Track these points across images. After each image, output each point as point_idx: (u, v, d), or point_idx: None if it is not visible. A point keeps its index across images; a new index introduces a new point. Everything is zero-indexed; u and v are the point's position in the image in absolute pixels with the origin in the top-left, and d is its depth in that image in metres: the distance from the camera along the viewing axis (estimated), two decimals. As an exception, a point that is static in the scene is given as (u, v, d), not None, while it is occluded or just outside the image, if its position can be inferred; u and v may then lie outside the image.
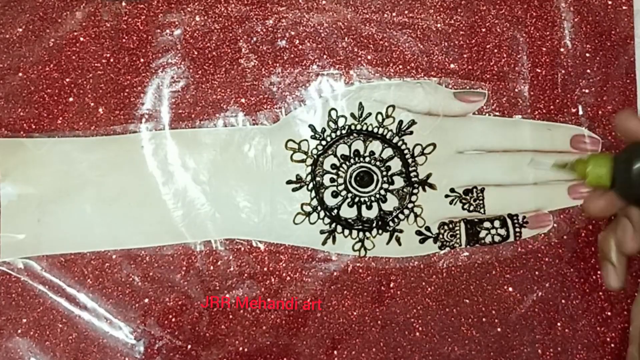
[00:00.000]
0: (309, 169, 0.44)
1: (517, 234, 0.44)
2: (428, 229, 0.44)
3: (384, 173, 0.44)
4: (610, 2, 0.45)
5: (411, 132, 0.44)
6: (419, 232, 0.44)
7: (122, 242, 0.44)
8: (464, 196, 0.44)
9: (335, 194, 0.44)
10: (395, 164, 0.44)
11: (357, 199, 0.44)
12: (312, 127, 0.44)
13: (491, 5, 0.45)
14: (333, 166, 0.44)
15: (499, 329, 0.44)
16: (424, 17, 0.45)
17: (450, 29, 0.45)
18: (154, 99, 0.44)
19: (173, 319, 0.44)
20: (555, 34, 0.45)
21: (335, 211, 0.44)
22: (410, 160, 0.44)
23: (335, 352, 0.44)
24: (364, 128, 0.44)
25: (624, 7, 0.45)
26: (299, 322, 0.44)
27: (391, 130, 0.44)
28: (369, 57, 0.45)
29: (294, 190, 0.44)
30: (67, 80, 0.44)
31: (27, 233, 0.43)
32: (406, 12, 0.45)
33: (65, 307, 0.43)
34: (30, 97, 0.44)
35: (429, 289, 0.44)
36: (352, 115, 0.44)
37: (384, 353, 0.44)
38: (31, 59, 0.44)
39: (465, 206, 0.44)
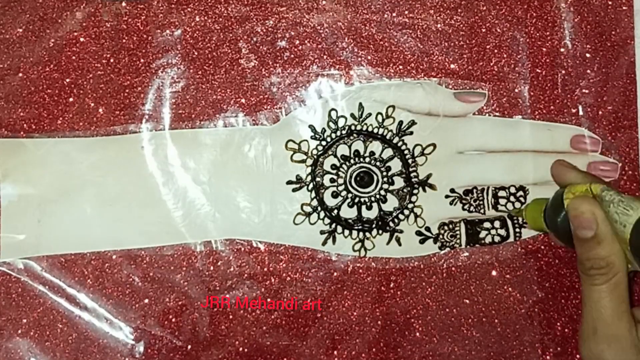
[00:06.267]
0: (309, 169, 0.44)
1: (517, 234, 0.44)
2: (428, 229, 0.44)
3: (384, 173, 0.44)
4: (610, 2, 0.45)
5: (411, 133, 0.44)
6: (419, 233, 0.44)
7: (122, 242, 0.44)
8: (464, 196, 0.44)
9: (335, 195, 0.44)
10: (396, 165, 0.44)
11: (357, 200, 0.44)
12: (312, 127, 0.44)
13: (491, 5, 0.45)
14: (333, 166, 0.44)
15: (499, 329, 0.44)
16: (424, 17, 0.45)
17: (450, 29, 0.45)
18: (154, 99, 0.44)
19: (173, 319, 0.44)
20: (555, 34, 0.45)
21: (336, 211, 0.44)
22: (410, 161, 0.44)
23: (335, 352, 0.44)
24: (364, 128, 0.44)
25: (624, 7, 0.45)
26: (299, 323, 0.44)
27: (391, 131, 0.44)
28: (369, 58, 0.45)
29: (294, 190, 0.44)
30: (67, 80, 0.44)
31: (28, 233, 0.43)
32: (406, 12, 0.45)
33: (65, 307, 0.43)
34: (31, 97, 0.44)
35: (429, 289, 0.44)
36: (352, 115, 0.44)
37: (384, 353, 0.44)
38: (31, 60, 0.44)
39: (465, 206, 0.44)
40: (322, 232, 0.44)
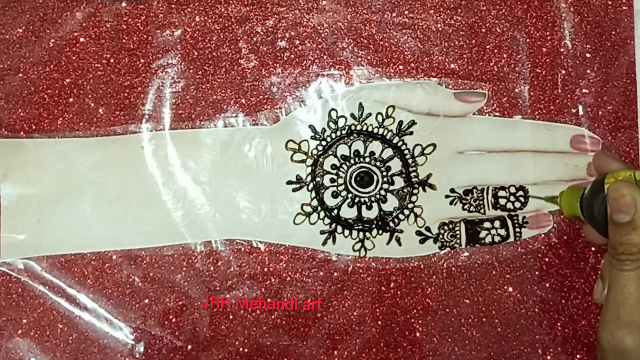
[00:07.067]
0: (309, 169, 0.44)
1: (517, 234, 0.44)
2: (428, 229, 0.44)
3: (384, 173, 0.44)
4: (610, 2, 0.45)
5: (411, 133, 0.44)
6: (419, 233, 0.44)
7: (122, 242, 0.44)
8: (464, 196, 0.44)
9: (335, 194, 0.44)
10: (395, 164, 0.44)
11: (357, 199, 0.44)
12: (312, 127, 0.44)
13: (491, 5, 0.45)
14: (333, 166, 0.44)
15: (499, 329, 0.44)
16: (424, 17, 0.45)
17: (450, 29, 0.45)
18: (154, 99, 0.44)
19: (173, 319, 0.44)
20: (555, 34, 0.45)
21: (336, 211, 0.44)
22: (410, 161, 0.44)
23: (335, 352, 0.44)
24: (364, 128, 0.44)
25: (624, 7, 0.45)
26: (299, 323, 0.44)
27: (391, 131, 0.44)
28: (369, 58, 0.45)
29: (294, 190, 0.44)
30: (67, 80, 0.44)
31: (28, 233, 0.43)
32: (406, 12, 0.45)
33: (65, 307, 0.43)
34: (31, 97, 0.44)
35: (429, 289, 0.44)
36: (352, 115, 0.44)
37: (384, 353, 0.44)
38: (31, 60, 0.44)
39: (466, 206, 0.44)
40: (322, 232, 0.44)
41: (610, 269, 0.35)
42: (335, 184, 0.44)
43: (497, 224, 0.44)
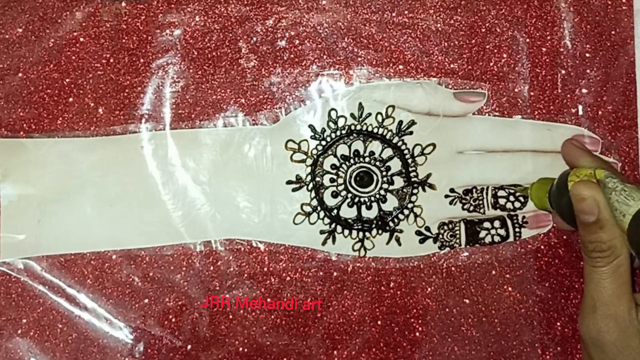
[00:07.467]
0: (309, 169, 0.44)
1: (517, 234, 0.44)
2: (428, 229, 0.44)
3: (384, 173, 0.44)
4: (610, 2, 0.45)
5: (411, 132, 0.44)
6: (418, 232, 0.44)
7: (122, 242, 0.44)
8: (463, 196, 0.44)
9: (335, 194, 0.44)
10: (395, 164, 0.44)
11: (357, 199, 0.44)
12: (312, 127, 0.44)
13: (491, 5, 0.45)
14: (333, 166, 0.44)
15: (498, 329, 0.44)
16: (424, 17, 0.45)
17: (450, 29, 0.45)
18: (154, 99, 0.44)
19: (173, 319, 0.44)
20: (555, 34, 0.45)
21: (335, 211, 0.44)
22: (410, 161, 0.44)
23: (335, 352, 0.44)
24: (364, 128, 0.44)
25: (624, 7, 0.45)
26: (299, 322, 0.44)
27: (391, 131, 0.44)
28: (369, 57, 0.45)
29: (294, 190, 0.44)
30: (67, 80, 0.44)
31: (28, 233, 0.43)
32: (406, 12, 0.45)
33: (65, 307, 0.43)
34: (30, 97, 0.44)
35: (429, 289, 0.44)
36: (352, 115, 0.44)
37: (384, 353, 0.44)
38: (31, 59, 0.44)
39: (465, 206, 0.44)
40: (322, 232, 0.44)
41: (585, 265, 0.35)
42: (335, 183, 0.44)
43: (496, 223, 0.44)
